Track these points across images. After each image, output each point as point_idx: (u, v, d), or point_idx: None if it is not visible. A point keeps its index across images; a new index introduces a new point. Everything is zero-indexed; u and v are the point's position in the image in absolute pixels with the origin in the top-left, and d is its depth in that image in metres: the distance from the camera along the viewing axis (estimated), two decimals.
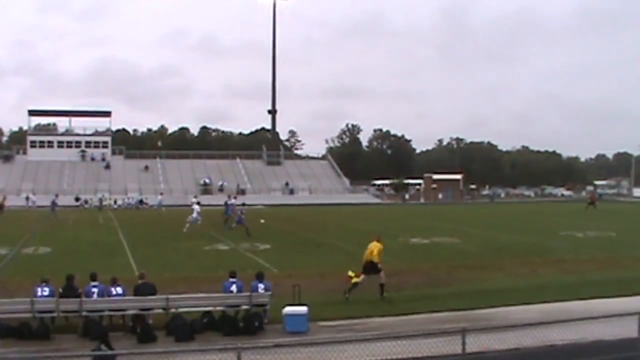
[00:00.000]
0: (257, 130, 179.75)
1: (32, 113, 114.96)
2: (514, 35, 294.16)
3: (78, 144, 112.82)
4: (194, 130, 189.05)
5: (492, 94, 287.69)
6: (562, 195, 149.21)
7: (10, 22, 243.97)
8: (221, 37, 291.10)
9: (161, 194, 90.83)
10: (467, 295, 21.69)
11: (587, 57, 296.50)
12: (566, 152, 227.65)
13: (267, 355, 12.41)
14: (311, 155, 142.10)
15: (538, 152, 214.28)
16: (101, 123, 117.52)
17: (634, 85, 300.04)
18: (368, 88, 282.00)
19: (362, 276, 22.12)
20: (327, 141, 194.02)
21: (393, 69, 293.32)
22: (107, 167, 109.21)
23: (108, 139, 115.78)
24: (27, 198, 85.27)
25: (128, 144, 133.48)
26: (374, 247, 22.74)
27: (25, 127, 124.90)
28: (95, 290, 17.67)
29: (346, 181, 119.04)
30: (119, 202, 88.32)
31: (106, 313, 17.51)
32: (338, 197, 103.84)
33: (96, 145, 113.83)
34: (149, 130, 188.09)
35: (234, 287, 18.22)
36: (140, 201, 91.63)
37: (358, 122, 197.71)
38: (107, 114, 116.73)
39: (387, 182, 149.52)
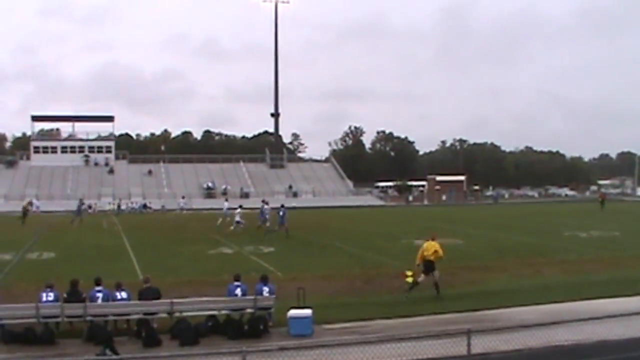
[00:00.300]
0: (260, 134, 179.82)
1: (35, 118, 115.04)
2: (515, 35, 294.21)
3: (81, 149, 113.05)
4: (197, 134, 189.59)
5: (494, 95, 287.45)
6: (566, 195, 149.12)
7: (13, 27, 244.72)
8: (223, 41, 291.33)
9: (183, 197, 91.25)
10: (471, 297, 21.69)
11: (588, 57, 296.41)
12: (569, 152, 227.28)
13: (272, 358, 12.43)
14: (314, 158, 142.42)
15: (541, 152, 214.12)
16: (104, 128, 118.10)
17: (636, 85, 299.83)
18: (370, 90, 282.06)
19: (422, 276, 22.43)
20: (330, 144, 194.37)
21: (395, 70, 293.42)
22: (111, 171, 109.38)
23: (111, 143, 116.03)
24: (31, 203, 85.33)
25: (131, 148, 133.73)
26: (431, 246, 22.95)
27: (28, 133, 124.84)
28: (99, 295, 17.68)
29: (350, 183, 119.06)
30: (123, 206, 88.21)
31: (111, 318, 17.53)
32: (342, 199, 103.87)
33: (99, 150, 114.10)
34: (152, 134, 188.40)
35: (238, 291, 18.21)
36: (144, 205, 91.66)
37: (361, 124, 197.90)
38: (110, 118, 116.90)
39: (390, 184, 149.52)
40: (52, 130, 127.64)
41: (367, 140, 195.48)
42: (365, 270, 28.36)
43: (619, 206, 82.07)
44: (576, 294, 21.76)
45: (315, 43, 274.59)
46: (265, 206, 49.02)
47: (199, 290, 21.41)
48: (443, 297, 21.87)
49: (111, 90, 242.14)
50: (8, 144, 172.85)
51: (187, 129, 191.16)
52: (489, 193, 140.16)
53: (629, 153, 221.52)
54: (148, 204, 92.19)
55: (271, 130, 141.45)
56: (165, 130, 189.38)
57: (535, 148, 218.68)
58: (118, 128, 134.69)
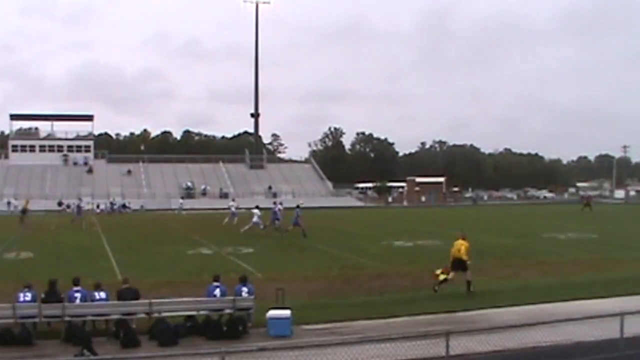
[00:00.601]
0: (240, 134, 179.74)
1: (14, 117, 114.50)
2: (495, 38, 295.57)
3: (60, 148, 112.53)
4: (177, 134, 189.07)
5: (474, 97, 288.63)
6: (545, 197, 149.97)
7: None
8: (205, 41, 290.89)
9: (182, 197, 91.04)
10: (450, 298, 21.75)
11: (568, 60, 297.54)
12: (548, 155, 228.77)
13: (251, 359, 12.40)
14: (294, 158, 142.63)
15: (520, 154, 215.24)
16: (83, 127, 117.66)
17: (615, 88, 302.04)
18: (351, 91, 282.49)
19: (452, 273, 23.13)
20: (310, 144, 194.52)
21: (376, 72, 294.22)
22: (90, 171, 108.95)
23: (90, 143, 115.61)
24: (9, 203, 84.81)
25: (111, 148, 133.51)
26: (461, 244, 23.60)
27: (7, 132, 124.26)
28: (78, 295, 17.56)
29: (329, 184, 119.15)
30: (102, 206, 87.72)
31: (89, 318, 17.43)
32: (321, 200, 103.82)
33: (78, 149, 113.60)
34: (132, 134, 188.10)
35: (217, 291, 18.15)
36: (124, 205, 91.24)
37: (341, 126, 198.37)
38: (89, 118, 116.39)
39: (370, 185, 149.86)
40: (30, 129, 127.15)
41: (347, 141, 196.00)
42: (344, 271, 28.39)
43: (597, 208, 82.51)
44: (554, 295, 21.88)
45: (297, 44, 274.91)
46: (279, 206, 49.66)
47: (178, 291, 21.35)
48: (472, 294, 22.55)
49: (91, 89, 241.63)
50: None
51: (167, 129, 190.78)
52: (468, 195, 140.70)
53: (607, 156, 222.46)
54: (127, 204, 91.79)
55: (251, 130, 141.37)
56: (145, 130, 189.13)
57: (514, 150, 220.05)
58: (97, 127, 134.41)
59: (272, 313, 17.23)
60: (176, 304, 17.81)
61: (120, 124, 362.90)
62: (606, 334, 14.19)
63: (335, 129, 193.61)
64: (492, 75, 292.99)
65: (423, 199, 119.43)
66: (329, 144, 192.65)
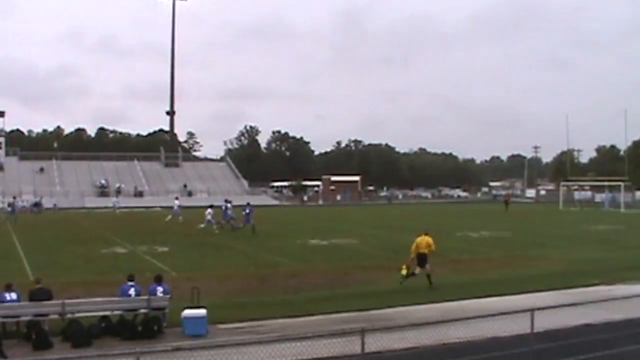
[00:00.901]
0: (155, 132, 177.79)
1: None
2: (411, 39, 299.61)
3: None
4: (91, 132, 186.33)
5: (390, 97, 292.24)
6: (459, 196, 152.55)
7: None
8: (121, 38, 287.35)
9: (116, 195, 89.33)
10: (365, 296, 21.91)
11: (481, 62, 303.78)
12: (462, 155, 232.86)
13: (166, 359, 12.29)
14: (210, 157, 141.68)
15: (435, 154, 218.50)
16: None
17: (527, 90, 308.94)
18: (267, 90, 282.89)
19: (418, 268, 24.13)
20: (225, 143, 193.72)
21: (293, 71, 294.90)
22: (0, 168, 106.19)
23: (1, 139, 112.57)
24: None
25: (22, 145, 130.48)
26: (425, 240, 24.83)
27: None
28: None
29: (245, 183, 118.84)
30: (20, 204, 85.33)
31: None
32: (236, 198, 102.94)
33: None
34: (45, 131, 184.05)
35: (132, 291, 17.90)
36: (36, 204, 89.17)
37: (257, 124, 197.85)
38: (0, 114, 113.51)
39: (285, 183, 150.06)
40: None
41: (263, 140, 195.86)
42: (260, 270, 28.35)
43: (509, 207, 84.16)
44: (468, 292, 22.27)
45: (213, 42, 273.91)
46: (229, 205, 49.50)
47: (91, 291, 20.98)
48: (438, 287, 23.16)
49: (3, 85, 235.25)
50: None
51: (81, 126, 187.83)
52: (383, 193, 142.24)
53: (519, 156, 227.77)
54: (39, 202, 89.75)
55: (166, 128, 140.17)
56: (59, 127, 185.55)
57: (429, 150, 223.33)
58: (9, 124, 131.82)
59: (188, 312, 17.07)
60: (90, 304, 17.49)
61: (33, 121, 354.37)
62: (517, 330, 14.50)
63: (251, 127, 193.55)
64: (407, 76, 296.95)
65: (338, 197, 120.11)
66: (245, 142, 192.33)
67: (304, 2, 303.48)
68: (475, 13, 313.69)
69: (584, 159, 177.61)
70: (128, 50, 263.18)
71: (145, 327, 16.84)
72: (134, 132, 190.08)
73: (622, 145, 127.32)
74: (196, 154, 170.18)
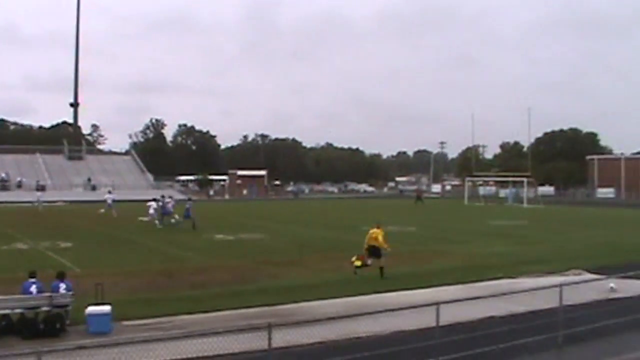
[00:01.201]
0: (58, 124, 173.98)
1: None
2: (320, 35, 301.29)
3: None
4: None
5: (297, 92, 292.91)
6: (365, 191, 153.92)
7: None
8: (23, 27, 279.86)
9: (38, 189, 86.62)
10: (273, 291, 21.97)
11: (389, 59, 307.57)
12: (369, 150, 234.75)
13: (69, 358, 12.11)
14: (114, 150, 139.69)
15: (342, 149, 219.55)
16: None
17: (433, 87, 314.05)
18: (174, 83, 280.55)
19: (370, 260, 25.39)
20: (130, 136, 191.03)
21: (200, 64, 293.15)
22: None
23: None
24: None
25: None
26: (377, 233, 26.01)
27: None
28: None
29: (150, 177, 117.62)
30: None
31: None
32: (142, 193, 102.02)
33: None
34: None
35: (33, 288, 17.55)
36: None
37: (163, 118, 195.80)
38: None
39: (191, 177, 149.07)
40: None
41: (169, 133, 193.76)
42: (166, 265, 28.13)
43: (413, 203, 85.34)
44: (374, 286, 22.57)
45: (120, 33, 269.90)
46: (168, 199, 49.79)
47: None
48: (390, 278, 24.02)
49: None
50: None
51: None
52: (290, 188, 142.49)
53: (425, 151, 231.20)
54: None
55: (70, 120, 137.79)
56: None
57: (336, 145, 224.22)
58: None
59: (91, 309, 16.83)
60: None
61: None
62: (423, 323, 14.79)
63: (156, 120, 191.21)
64: (315, 71, 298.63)
65: (245, 192, 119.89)
66: (150, 136, 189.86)
67: None
68: (383, 10, 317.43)
69: (488, 154, 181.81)
70: (30, 39, 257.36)
71: (48, 326, 16.55)
72: (36, 124, 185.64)
73: (526, 142, 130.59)
74: (101, 147, 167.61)
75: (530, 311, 18.39)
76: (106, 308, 16.84)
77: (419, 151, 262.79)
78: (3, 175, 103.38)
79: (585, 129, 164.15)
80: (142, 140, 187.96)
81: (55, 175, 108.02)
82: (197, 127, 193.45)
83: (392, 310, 14.32)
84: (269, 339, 11.28)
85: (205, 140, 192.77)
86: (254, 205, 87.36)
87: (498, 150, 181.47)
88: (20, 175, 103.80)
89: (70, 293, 17.58)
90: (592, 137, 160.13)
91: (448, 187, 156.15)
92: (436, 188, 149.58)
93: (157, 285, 23.20)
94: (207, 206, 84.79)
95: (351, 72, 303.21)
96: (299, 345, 14.39)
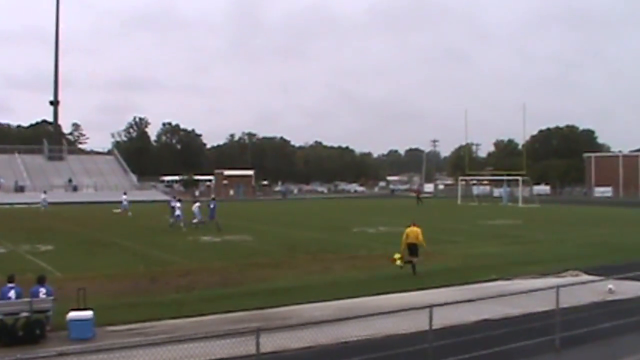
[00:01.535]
0: (37, 123, 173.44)
1: None
2: (307, 31, 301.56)
3: None
4: None
5: (285, 89, 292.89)
6: (355, 191, 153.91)
7: None
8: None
9: (45, 191, 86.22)
10: (260, 294, 21.91)
11: (379, 55, 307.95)
12: (359, 148, 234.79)
13: None
14: (96, 150, 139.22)
15: (331, 148, 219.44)
16: None
17: (425, 84, 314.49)
18: (158, 81, 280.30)
19: (414, 258, 26.42)
20: (113, 135, 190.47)
21: (184, 61, 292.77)
22: None
23: None
24: None
25: None
26: (414, 231, 27.04)
27: None
28: None
29: (133, 177, 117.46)
30: None
31: None
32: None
33: None
34: None
35: (12, 293, 17.45)
36: None
37: (146, 116, 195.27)
38: None
39: (176, 178, 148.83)
40: None
41: (153, 132, 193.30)
42: (150, 268, 28.03)
43: (406, 202, 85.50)
44: (365, 289, 22.53)
45: (101, 29, 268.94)
46: (176, 203, 49.47)
47: None
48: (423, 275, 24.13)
49: None
50: None
51: None
52: (278, 188, 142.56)
53: (417, 150, 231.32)
54: None
55: (50, 119, 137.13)
56: None
57: (325, 143, 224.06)
58: None
59: (73, 315, 16.75)
60: None
61: None
62: (416, 326, 14.79)
63: (140, 119, 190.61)
64: (303, 68, 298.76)
65: (231, 192, 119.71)
66: (134, 135, 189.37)
67: None
68: (372, 5, 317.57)
69: (482, 153, 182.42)
70: (7, 35, 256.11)
71: (27, 332, 16.45)
72: (14, 124, 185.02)
73: (520, 139, 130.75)
74: (82, 146, 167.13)
75: (526, 314, 18.42)
76: (88, 313, 16.76)
77: (410, 150, 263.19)
78: None
79: (582, 126, 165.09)
80: (125, 139, 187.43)
81: (35, 176, 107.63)
82: (181, 126, 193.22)
83: (384, 313, 14.29)
84: (257, 343, 11.24)
85: (190, 139, 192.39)
86: (241, 206, 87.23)
87: (492, 149, 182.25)
88: None
89: (51, 298, 17.48)
90: (589, 134, 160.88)
91: (441, 187, 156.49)
92: (429, 187, 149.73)
93: (140, 289, 23.13)
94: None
95: (341, 68, 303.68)
96: (288, 350, 14.36)
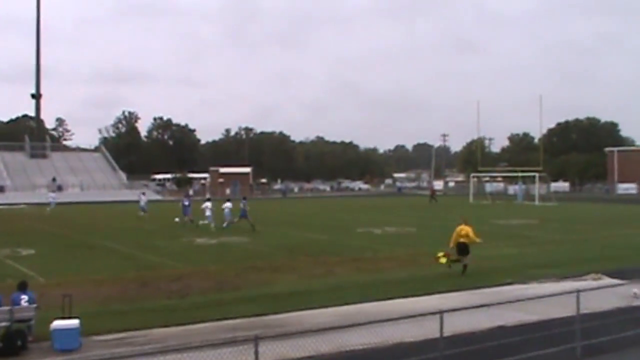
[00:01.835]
0: (18, 118, 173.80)
1: None
2: (307, 18, 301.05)
3: None
4: None
5: (284, 81, 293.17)
6: (360, 189, 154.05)
7: None
8: None
9: (53, 191, 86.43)
10: (258, 300, 21.88)
11: (384, 45, 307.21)
12: (363, 144, 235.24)
13: None
14: (82, 146, 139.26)
15: (334, 143, 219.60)
16: None
17: (434, 75, 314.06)
18: (148, 72, 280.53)
19: (464, 258, 27.11)
20: (100, 131, 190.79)
21: (176, 52, 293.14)
22: None
23: None
24: None
25: None
26: (465, 230, 27.55)
27: None
28: None
29: (123, 176, 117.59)
30: None
31: None
32: (113, 193, 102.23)
33: None
34: None
35: None
36: None
37: (136, 110, 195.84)
38: None
39: (169, 176, 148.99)
40: None
41: (143, 127, 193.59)
42: (140, 272, 28.02)
43: (414, 200, 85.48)
44: (371, 294, 22.48)
45: (87, 18, 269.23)
46: (187, 202, 52.40)
47: None
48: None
49: None
50: None
51: None
52: (277, 186, 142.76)
53: (425, 144, 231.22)
54: None
55: (32, 114, 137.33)
56: None
57: (327, 138, 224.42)
58: None
59: (57, 324, 16.69)
60: None
61: None
62: (425, 334, 14.75)
63: (129, 113, 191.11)
64: (303, 58, 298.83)
65: (227, 191, 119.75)
66: (123, 130, 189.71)
67: None
68: None
69: (495, 148, 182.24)
70: None
71: (7, 343, 16.38)
72: None
73: (537, 133, 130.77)
74: (67, 143, 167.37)
75: (543, 320, 18.37)
76: (74, 322, 16.69)
77: (418, 145, 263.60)
78: None
79: (604, 118, 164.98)
80: (113, 135, 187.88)
81: (16, 175, 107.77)
82: (174, 121, 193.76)
83: (391, 319, 14.25)
84: (256, 352, 11.22)
85: (183, 134, 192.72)
86: (237, 205, 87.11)
87: (506, 143, 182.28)
88: None
89: (34, 306, 17.41)
90: (611, 127, 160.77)
91: (451, 184, 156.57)
92: (438, 185, 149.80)
93: (130, 295, 23.09)
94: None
95: (343, 58, 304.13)
96: (289, 359, 14.32)
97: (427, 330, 14.33)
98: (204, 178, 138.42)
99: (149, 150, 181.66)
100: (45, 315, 17.30)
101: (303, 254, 33.46)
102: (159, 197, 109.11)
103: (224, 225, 47.54)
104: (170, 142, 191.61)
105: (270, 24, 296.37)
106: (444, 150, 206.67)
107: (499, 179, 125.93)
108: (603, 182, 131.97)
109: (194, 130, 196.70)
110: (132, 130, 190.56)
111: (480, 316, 17.07)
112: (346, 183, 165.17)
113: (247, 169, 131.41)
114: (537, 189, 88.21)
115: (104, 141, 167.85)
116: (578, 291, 15.68)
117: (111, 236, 43.22)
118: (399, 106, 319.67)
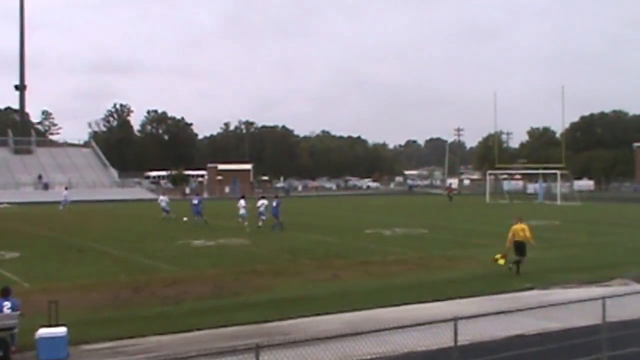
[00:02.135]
0: (0, 111, 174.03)
1: None
2: (313, 4, 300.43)
3: None
4: None
5: (287, 72, 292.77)
6: (368, 187, 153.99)
7: None
8: None
9: (66, 188, 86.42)
10: (259, 306, 21.91)
11: (394, 32, 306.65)
12: (372, 139, 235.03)
13: None
14: (71, 141, 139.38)
15: (340, 138, 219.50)
16: None
17: (446, 65, 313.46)
18: (141, 62, 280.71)
19: (523, 257, 28.28)
20: (90, 125, 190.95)
21: (171, 40, 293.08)
22: None
23: None
24: None
25: None
26: (521, 229, 28.72)
27: None
28: None
29: (114, 173, 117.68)
30: None
31: None
32: (104, 192, 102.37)
33: None
34: None
35: None
36: None
37: (129, 103, 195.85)
38: None
39: (164, 173, 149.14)
40: None
41: (136, 121, 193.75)
42: (133, 277, 28.04)
43: (427, 200, 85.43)
44: (380, 299, 22.48)
45: (75, 4, 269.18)
46: (195, 200, 54.12)
47: None
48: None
49: None
50: None
51: None
52: (280, 184, 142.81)
53: (438, 139, 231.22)
54: None
55: (16, 106, 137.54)
56: None
57: (333, 133, 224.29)
58: None
59: (43, 332, 16.69)
60: None
61: None
62: (438, 342, 14.72)
63: (121, 106, 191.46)
64: (308, 47, 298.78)
65: (227, 189, 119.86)
66: (114, 124, 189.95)
67: None
68: None
69: (514, 143, 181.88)
70: None
71: None
72: None
73: (559, 127, 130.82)
74: (54, 138, 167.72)
75: (566, 328, 18.33)
76: (61, 330, 16.70)
77: (431, 140, 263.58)
78: None
79: (632, 111, 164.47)
80: (104, 129, 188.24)
81: None
82: (169, 114, 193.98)
83: (402, 327, 14.24)
84: None
85: (179, 129, 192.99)
86: (236, 204, 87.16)
87: (525, 138, 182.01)
88: None
89: (17, 313, 17.37)
90: (639, 120, 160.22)
91: (466, 182, 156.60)
92: (452, 183, 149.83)
93: (122, 301, 23.12)
94: (182, 206, 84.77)
95: (350, 48, 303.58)
96: None
97: (440, 338, 14.29)
98: (202, 175, 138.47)
99: (143, 146, 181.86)
100: (29, 323, 17.29)
101: (307, 257, 33.47)
102: (152, 196, 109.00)
103: (259, 224, 48.33)
104: (165, 137, 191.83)
105: (272, 10, 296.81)
106: (458, 145, 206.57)
107: (518, 176, 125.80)
108: (631, 181, 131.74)
109: (190, 124, 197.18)
110: (124, 124, 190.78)
111: (497, 323, 17.03)
112: (353, 181, 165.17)
113: (248, 166, 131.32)
114: (559, 187, 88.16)
115: (94, 136, 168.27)
116: (604, 297, 15.64)
117: (102, 238, 43.25)
118: (410, 98, 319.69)
